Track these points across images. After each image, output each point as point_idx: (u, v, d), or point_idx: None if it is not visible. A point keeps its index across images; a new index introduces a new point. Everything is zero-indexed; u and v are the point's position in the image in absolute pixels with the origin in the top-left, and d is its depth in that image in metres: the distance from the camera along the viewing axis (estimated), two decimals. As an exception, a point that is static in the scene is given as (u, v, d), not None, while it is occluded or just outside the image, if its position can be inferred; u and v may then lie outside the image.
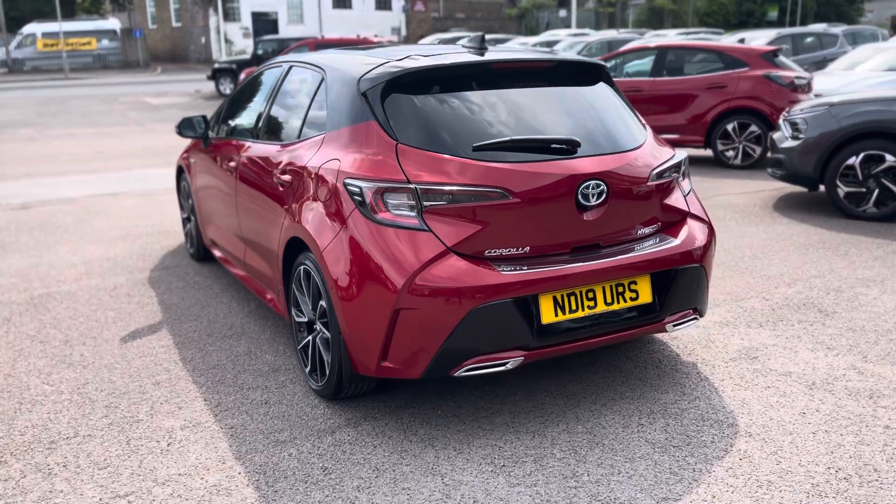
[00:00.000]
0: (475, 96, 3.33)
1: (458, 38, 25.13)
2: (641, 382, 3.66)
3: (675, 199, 3.51)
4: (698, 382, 3.64)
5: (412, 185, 2.99)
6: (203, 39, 36.06)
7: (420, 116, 3.21)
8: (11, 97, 24.31)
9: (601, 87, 3.65)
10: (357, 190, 3.07)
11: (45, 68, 38.45)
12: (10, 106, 21.13)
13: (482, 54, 3.56)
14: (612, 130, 3.42)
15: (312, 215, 3.34)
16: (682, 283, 3.37)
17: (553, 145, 3.18)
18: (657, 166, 3.39)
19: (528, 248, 3.10)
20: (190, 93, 24.66)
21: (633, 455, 3.02)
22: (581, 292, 3.14)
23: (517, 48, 4.16)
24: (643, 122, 3.69)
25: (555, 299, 3.08)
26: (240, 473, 2.92)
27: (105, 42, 40.24)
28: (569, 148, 3.19)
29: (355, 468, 2.95)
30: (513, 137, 3.15)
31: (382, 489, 2.81)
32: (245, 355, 4.03)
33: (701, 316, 3.58)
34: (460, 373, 3.01)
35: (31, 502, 2.76)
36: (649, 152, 3.43)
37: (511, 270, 3.01)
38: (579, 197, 3.12)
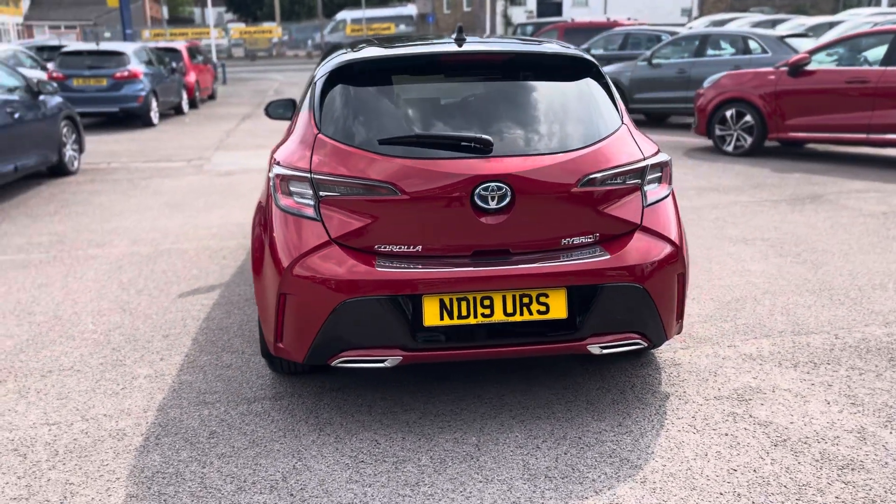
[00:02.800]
0: (411, 89, 3.29)
1: (731, 20, 23.21)
2: (587, 405, 3.35)
3: (624, 209, 3.13)
4: (648, 416, 3.24)
5: (309, 175, 3.07)
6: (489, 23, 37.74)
7: (345, 108, 3.24)
8: (305, 77, 27.60)
9: (579, 84, 3.35)
10: (272, 175, 3.23)
11: (352, 51, 42.87)
12: (298, 84, 24.07)
13: (460, 46, 3.47)
14: (552, 130, 3.16)
15: (260, 199, 3.57)
16: (610, 303, 3.02)
17: (464, 143, 3.04)
18: (598, 171, 3.05)
19: (420, 247, 3.01)
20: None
21: (494, 477, 2.83)
22: (475, 298, 2.98)
23: (496, 40, 3.91)
24: (622, 121, 3.31)
25: (441, 302, 2.97)
26: (145, 423, 3.27)
27: (402, 27, 43.78)
28: (481, 147, 3.02)
29: (236, 437, 3.14)
30: (418, 133, 3.06)
31: (240, 461, 2.97)
32: (255, 321, 4.39)
33: (652, 343, 3.18)
34: (338, 363, 3.05)
35: (-10, 416, 3.38)
36: (595, 155, 3.09)
37: (393, 267, 2.96)
38: (476, 199, 2.95)
